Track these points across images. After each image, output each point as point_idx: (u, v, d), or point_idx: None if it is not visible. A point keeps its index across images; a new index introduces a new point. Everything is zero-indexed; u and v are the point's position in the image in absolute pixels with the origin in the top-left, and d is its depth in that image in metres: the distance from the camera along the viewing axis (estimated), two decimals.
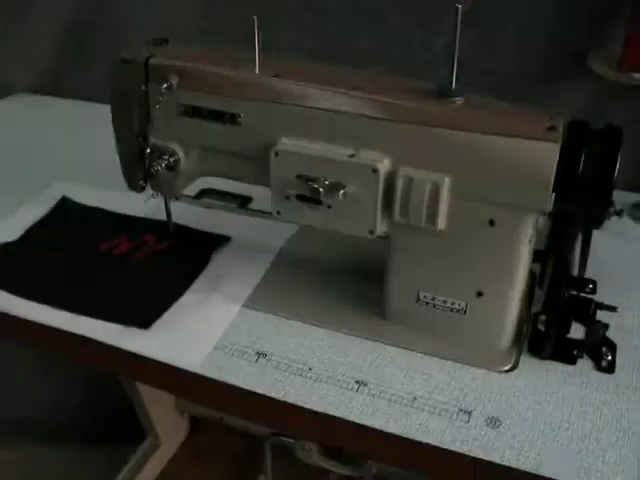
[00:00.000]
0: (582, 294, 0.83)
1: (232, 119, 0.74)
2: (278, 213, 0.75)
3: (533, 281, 0.84)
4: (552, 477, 0.62)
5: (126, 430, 1.66)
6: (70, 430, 1.76)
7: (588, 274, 0.85)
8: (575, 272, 0.80)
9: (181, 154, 0.79)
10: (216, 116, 0.74)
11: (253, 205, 0.97)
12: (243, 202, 0.99)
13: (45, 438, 1.77)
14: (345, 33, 1.14)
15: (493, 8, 1.04)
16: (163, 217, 0.91)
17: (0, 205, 1.00)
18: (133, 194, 0.96)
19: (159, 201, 0.94)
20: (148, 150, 0.79)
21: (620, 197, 1.02)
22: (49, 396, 1.75)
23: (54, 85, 1.40)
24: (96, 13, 1.31)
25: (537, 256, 0.82)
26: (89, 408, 1.74)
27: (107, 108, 1.28)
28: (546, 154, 0.64)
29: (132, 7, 1.27)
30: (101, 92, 1.33)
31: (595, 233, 0.87)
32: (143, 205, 0.97)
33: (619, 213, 0.86)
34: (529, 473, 0.63)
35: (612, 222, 0.90)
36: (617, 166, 0.65)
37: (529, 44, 1.05)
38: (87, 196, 1.02)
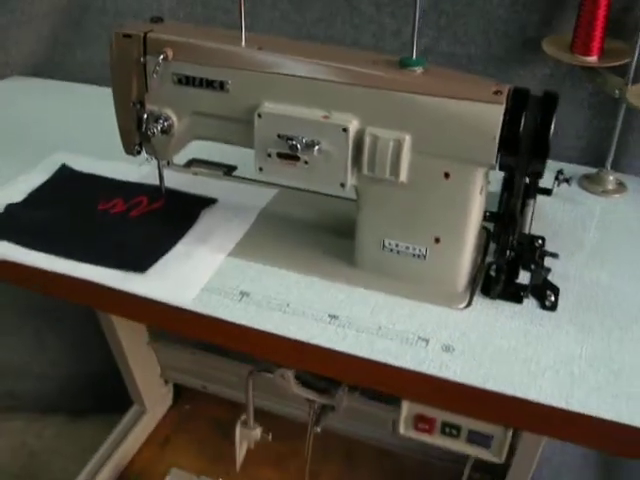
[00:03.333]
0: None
1: (221, 86, 0.83)
2: (260, 170, 0.84)
3: (488, 237, 0.95)
4: (496, 390, 0.73)
5: (113, 401, 1.74)
6: (59, 402, 1.83)
7: (538, 232, 0.96)
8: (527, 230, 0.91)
9: (175, 119, 0.88)
10: (206, 84, 0.84)
11: (237, 173, 1.07)
12: (229, 170, 1.09)
13: (35, 411, 1.85)
14: (321, 21, 1.23)
15: None
16: (155, 183, 1.00)
17: (2, 174, 1.09)
18: (127, 163, 1.06)
19: (151, 169, 1.04)
20: (145, 116, 0.88)
21: (572, 169, 1.14)
22: (39, 370, 1.82)
23: (49, 68, 1.47)
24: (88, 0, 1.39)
25: (492, 216, 0.94)
26: (77, 381, 1.81)
27: (100, 89, 1.38)
28: (492, 114, 0.74)
29: None
30: (94, 74, 1.44)
31: (547, 199, 0.99)
32: (136, 173, 1.07)
33: (568, 181, 0.98)
34: (477, 388, 0.73)
35: (562, 189, 1.02)
36: (552, 125, 0.75)
37: (489, 30, 1.15)
38: (84, 165, 1.10)
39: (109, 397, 1.76)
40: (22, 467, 1.74)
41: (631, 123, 1.12)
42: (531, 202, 0.87)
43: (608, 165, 1.10)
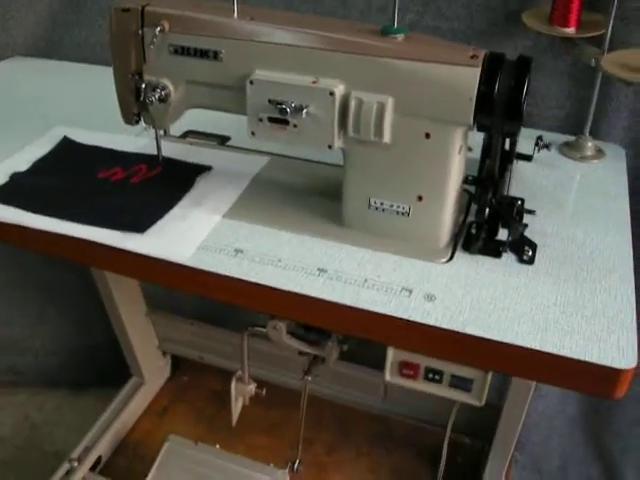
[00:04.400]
0: None
1: (215, 56, 0.88)
2: (253, 134, 0.89)
3: (470, 199, 1.00)
4: (474, 334, 0.78)
5: (113, 374, 1.79)
6: (60, 376, 1.88)
7: (519, 195, 1.01)
8: (506, 192, 0.96)
9: (171, 88, 0.93)
10: (201, 54, 0.89)
11: (231, 143, 1.12)
12: (222, 140, 1.14)
13: (37, 384, 1.90)
14: None
15: None
16: (153, 153, 1.05)
17: (6, 148, 1.13)
18: (125, 135, 1.11)
19: (148, 141, 1.09)
20: (143, 85, 0.93)
21: (553, 137, 1.19)
22: (40, 344, 1.86)
23: (48, 48, 1.52)
24: None
25: (474, 180, 0.98)
26: (78, 354, 1.86)
27: (98, 68, 1.42)
28: (469, 77, 0.79)
29: None
30: (92, 54, 1.48)
31: (527, 164, 1.04)
32: (134, 144, 1.12)
33: (547, 146, 1.03)
34: (457, 332, 0.78)
35: (542, 155, 1.07)
36: (525, 87, 0.80)
37: (472, 4, 1.19)
38: (85, 137, 1.15)
39: (109, 370, 1.81)
40: (25, 439, 1.79)
41: (609, 92, 1.17)
42: (510, 166, 0.92)
43: (587, 132, 1.15)
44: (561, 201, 1.02)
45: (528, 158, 1.03)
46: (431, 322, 0.79)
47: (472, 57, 0.80)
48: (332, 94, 0.83)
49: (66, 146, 1.12)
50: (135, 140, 1.13)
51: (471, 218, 0.96)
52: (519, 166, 1.04)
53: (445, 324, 0.79)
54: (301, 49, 0.84)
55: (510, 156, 0.91)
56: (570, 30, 1.11)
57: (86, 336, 1.83)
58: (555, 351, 0.75)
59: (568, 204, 1.02)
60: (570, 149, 1.14)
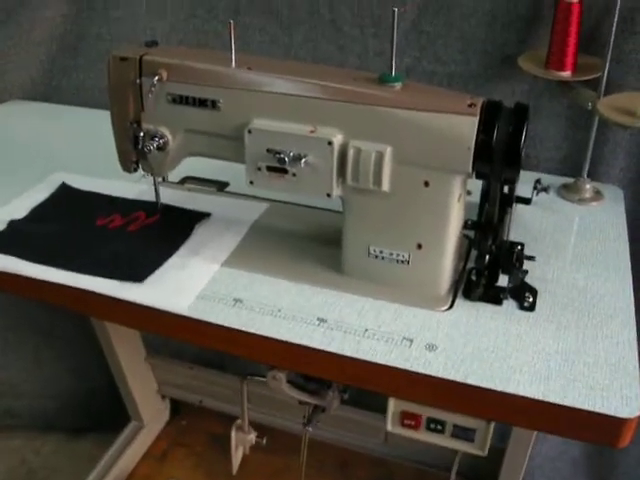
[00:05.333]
0: None
1: (213, 105, 0.88)
2: (251, 183, 0.89)
3: (469, 244, 1.00)
4: (477, 385, 0.77)
5: (110, 419, 1.77)
6: (57, 420, 1.86)
7: (518, 239, 1.01)
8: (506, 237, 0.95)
9: (169, 136, 0.93)
10: (199, 103, 0.89)
11: (229, 189, 1.12)
12: (221, 186, 1.14)
13: (34, 428, 1.88)
14: (308, 42, 1.29)
15: (436, 17, 1.20)
16: (152, 199, 1.05)
17: (4, 194, 1.13)
18: (124, 181, 1.11)
19: (147, 187, 1.09)
20: (141, 134, 0.93)
21: (551, 180, 1.19)
22: (37, 388, 1.85)
23: (46, 92, 1.53)
24: (84, 27, 1.45)
25: (473, 225, 0.98)
26: (75, 398, 1.84)
27: (96, 111, 1.43)
28: (467, 126, 0.79)
29: (118, 22, 1.42)
30: (90, 98, 1.49)
31: (526, 208, 1.03)
32: (133, 190, 1.12)
33: (546, 189, 1.03)
34: (459, 382, 0.77)
35: (541, 198, 1.07)
36: (524, 135, 0.80)
37: (468, 48, 1.21)
38: (83, 183, 1.15)
39: (106, 414, 1.79)
40: None
41: (606, 134, 1.17)
42: (509, 210, 0.92)
43: (585, 174, 1.15)
44: (561, 245, 1.02)
45: (527, 201, 1.02)
46: (432, 373, 0.78)
47: (470, 106, 0.80)
48: (330, 143, 0.83)
49: (64, 192, 1.12)
50: (134, 186, 1.13)
51: (471, 264, 0.96)
52: (518, 209, 1.04)
53: (447, 375, 0.78)
54: (299, 98, 0.85)
55: (509, 200, 0.91)
56: (566, 74, 1.12)
57: (83, 380, 1.81)
58: (558, 401, 0.75)
59: (568, 248, 1.01)
60: (568, 191, 1.15)
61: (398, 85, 0.84)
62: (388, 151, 0.82)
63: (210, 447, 1.71)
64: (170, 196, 1.08)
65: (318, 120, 0.84)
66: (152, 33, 1.39)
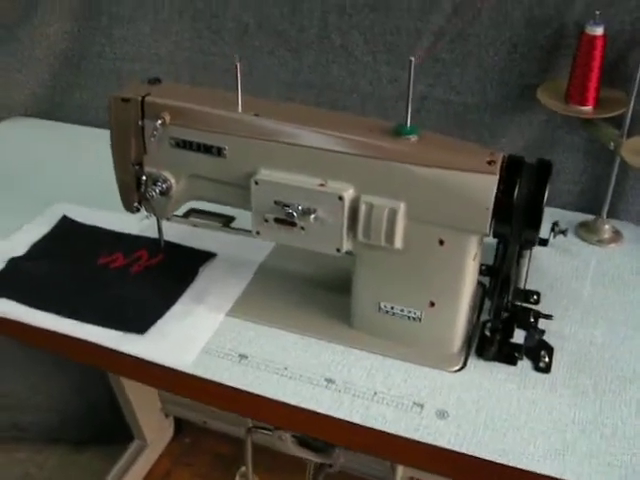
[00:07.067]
0: (527, 304, 0.95)
1: (218, 152, 0.85)
2: (258, 233, 0.85)
3: (483, 292, 0.96)
4: (489, 459, 0.74)
5: (114, 434, 1.75)
6: (61, 434, 1.84)
7: (534, 286, 0.97)
8: (522, 285, 0.91)
9: (173, 181, 0.89)
10: (204, 149, 0.85)
11: (236, 224, 1.08)
12: (227, 221, 1.10)
13: (38, 442, 1.86)
14: (318, 67, 1.25)
15: (453, 45, 1.16)
16: (155, 235, 1.01)
17: (4, 224, 1.10)
18: (127, 214, 1.07)
19: (151, 220, 1.05)
20: (144, 177, 0.89)
21: (568, 217, 1.15)
22: (42, 401, 1.82)
23: (49, 109, 1.49)
24: (87, 45, 1.41)
25: (488, 270, 0.95)
26: (79, 413, 1.82)
27: (99, 131, 1.39)
28: (486, 185, 0.75)
29: (121, 41, 1.37)
30: (93, 116, 1.45)
31: (543, 249, 0.99)
32: (136, 224, 1.08)
33: (564, 232, 0.98)
34: (471, 456, 0.74)
35: (558, 240, 1.03)
36: (545, 195, 0.76)
37: (485, 78, 1.16)
38: (84, 216, 1.12)
39: (111, 428, 1.77)
40: None
41: (627, 171, 1.13)
42: (526, 255, 0.88)
43: (604, 214, 1.11)
44: (578, 294, 0.98)
45: (544, 243, 0.99)
46: (444, 444, 0.75)
47: (489, 163, 0.76)
48: (341, 198, 0.79)
49: (65, 226, 1.09)
50: (137, 218, 1.09)
51: (484, 315, 0.92)
52: (534, 250, 1.00)
53: (458, 446, 0.75)
54: (308, 149, 0.81)
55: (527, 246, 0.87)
56: (587, 109, 1.07)
57: (88, 394, 1.79)
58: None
59: (585, 298, 0.97)
60: (587, 231, 1.10)
61: (414, 137, 0.79)
62: (402, 208, 0.78)
63: (214, 468, 1.68)
64: (174, 231, 1.04)
65: (328, 173, 0.80)
66: (156, 51, 1.35)
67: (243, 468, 1.03)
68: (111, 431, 1.77)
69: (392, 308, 0.86)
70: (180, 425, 1.80)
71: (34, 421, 1.83)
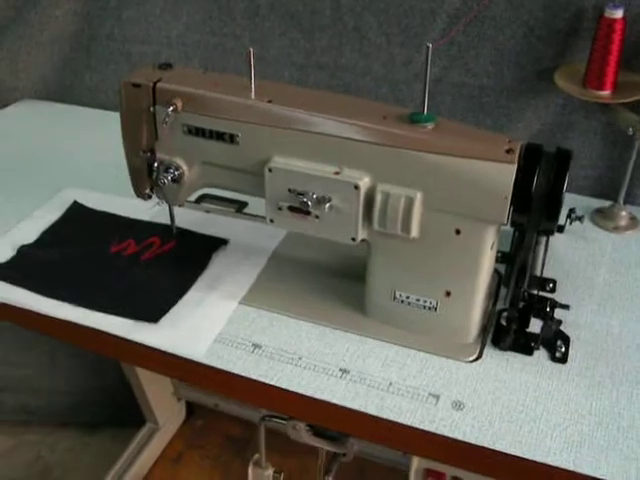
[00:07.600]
0: (543, 292, 0.93)
1: (231, 139, 0.83)
2: (271, 221, 0.84)
3: (499, 280, 0.95)
4: (505, 451, 0.73)
5: (126, 416, 1.76)
6: (72, 417, 1.85)
7: (550, 273, 0.96)
8: (538, 272, 0.90)
9: (185, 168, 0.88)
10: (217, 136, 0.84)
11: (248, 209, 1.07)
12: (240, 207, 1.09)
13: (49, 425, 1.87)
14: (331, 49, 1.23)
15: (468, 27, 1.13)
16: (167, 221, 1.00)
17: (15, 209, 1.10)
18: (138, 199, 1.06)
19: (163, 206, 1.04)
20: (155, 164, 0.88)
21: (584, 202, 1.13)
22: (53, 384, 1.83)
23: (58, 92, 1.48)
24: (96, 27, 1.39)
25: (503, 257, 0.93)
26: (90, 396, 1.82)
27: (109, 114, 1.38)
28: (504, 174, 0.74)
29: (131, 22, 1.36)
30: (103, 99, 1.44)
31: (559, 236, 0.98)
32: (148, 209, 1.07)
33: (580, 219, 0.97)
34: (487, 448, 0.73)
35: (574, 226, 1.01)
36: (565, 184, 0.75)
37: (502, 61, 1.14)
38: (95, 201, 1.11)
39: (122, 410, 1.78)
40: None
41: None
42: (543, 242, 0.87)
43: (621, 200, 1.09)
44: (595, 282, 0.97)
45: (560, 229, 0.97)
46: (459, 436, 0.74)
47: (508, 151, 0.74)
48: (357, 187, 0.78)
49: (76, 213, 1.08)
50: (148, 204, 1.08)
51: (500, 303, 0.91)
52: (550, 237, 0.99)
53: (474, 439, 0.74)
54: (323, 137, 0.79)
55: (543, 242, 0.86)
56: (605, 93, 1.05)
57: (99, 376, 1.79)
58: (590, 473, 0.71)
59: (602, 286, 0.96)
60: (603, 218, 1.09)
61: (430, 125, 0.78)
62: (418, 197, 0.77)
63: (226, 450, 1.69)
64: (187, 217, 1.03)
65: (344, 161, 0.79)
66: (167, 33, 1.33)
67: (257, 455, 1.02)
68: (123, 414, 1.78)
69: (407, 297, 0.84)
70: (192, 408, 1.80)
71: (45, 404, 1.84)
